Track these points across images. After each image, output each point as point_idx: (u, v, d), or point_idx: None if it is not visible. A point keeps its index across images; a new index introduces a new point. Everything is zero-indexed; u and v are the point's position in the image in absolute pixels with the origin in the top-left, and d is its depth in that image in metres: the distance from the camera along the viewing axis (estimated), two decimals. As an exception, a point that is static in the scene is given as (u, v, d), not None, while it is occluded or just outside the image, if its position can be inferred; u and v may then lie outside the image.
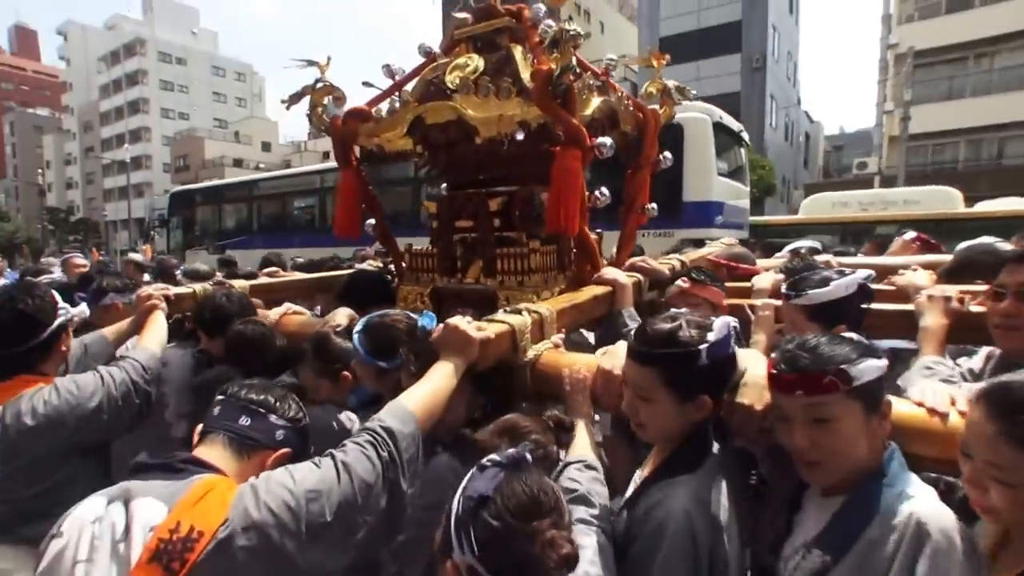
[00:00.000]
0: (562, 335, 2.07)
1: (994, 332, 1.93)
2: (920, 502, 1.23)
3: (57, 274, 6.07)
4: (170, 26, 66.97)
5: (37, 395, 1.85)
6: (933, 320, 2.07)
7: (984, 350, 2.13)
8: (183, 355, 2.81)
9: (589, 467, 1.56)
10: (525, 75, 2.38)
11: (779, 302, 2.34)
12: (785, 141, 30.92)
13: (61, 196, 72.77)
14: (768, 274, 2.89)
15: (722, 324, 1.49)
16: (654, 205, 3.00)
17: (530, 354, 1.91)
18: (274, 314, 2.78)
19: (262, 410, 1.47)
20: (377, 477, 1.38)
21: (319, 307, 4.10)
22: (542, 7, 2.56)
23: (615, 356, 1.76)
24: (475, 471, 1.15)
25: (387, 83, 2.77)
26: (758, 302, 2.49)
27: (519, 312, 1.97)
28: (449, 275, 2.68)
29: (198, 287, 2.94)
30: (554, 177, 2.26)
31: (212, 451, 1.39)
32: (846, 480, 1.33)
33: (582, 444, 1.66)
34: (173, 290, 2.79)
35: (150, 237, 22.01)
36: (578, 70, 2.13)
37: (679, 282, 2.53)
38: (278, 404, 1.50)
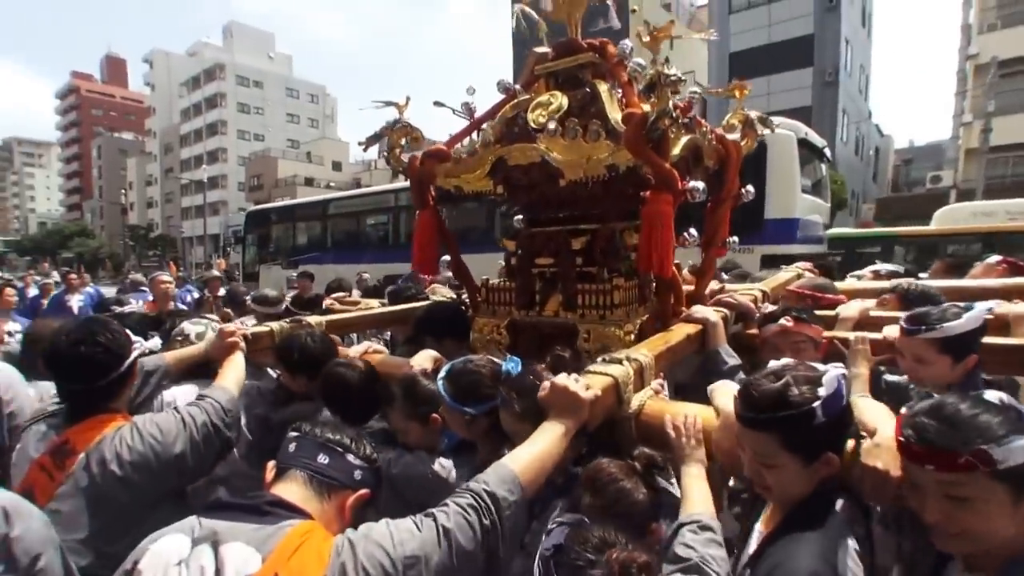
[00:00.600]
0: (661, 380, 2.01)
1: None
2: None
3: (136, 305, 5.69)
4: (248, 51, 70.47)
5: (118, 438, 1.79)
6: None
7: None
8: (260, 389, 2.81)
9: (704, 527, 1.47)
10: (613, 115, 2.31)
11: (873, 334, 2.28)
12: (855, 155, 30.01)
13: (142, 215, 77.05)
14: (855, 303, 2.81)
15: (832, 377, 1.39)
16: (735, 238, 2.89)
17: (634, 404, 1.83)
18: (354, 352, 2.76)
19: (340, 449, 1.42)
20: (477, 545, 1.32)
21: (388, 332, 4.10)
22: (628, 43, 2.48)
23: (732, 428, 1.63)
24: (543, 538, 1.23)
25: (460, 102, 2.73)
26: (850, 335, 2.36)
27: (619, 362, 1.88)
28: (527, 308, 2.64)
29: (275, 326, 2.92)
30: (645, 221, 2.19)
31: (292, 490, 1.34)
32: (993, 557, 1.20)
33: (697, 498, 1.56)
34: (250, 329, 2.78)
35: (225, 252, 22.99)
36: (674, 114, 2.05)
37: (782, 320, 2.42)
38: (354, 444, 1.46)
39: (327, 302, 4.65)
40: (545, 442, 1.58)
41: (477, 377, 2.02)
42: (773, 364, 1.49)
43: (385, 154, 2.69)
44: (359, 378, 2.44)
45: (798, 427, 1.35)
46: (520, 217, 2.98)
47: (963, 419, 1.17)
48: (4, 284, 6.87)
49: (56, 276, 13.96)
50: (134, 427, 1.85)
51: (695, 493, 1.57)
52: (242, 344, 2.54)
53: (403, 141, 2.68)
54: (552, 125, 2.27)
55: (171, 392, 2.42)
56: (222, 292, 7.68)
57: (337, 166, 64.91)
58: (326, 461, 1.39)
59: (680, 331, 2.37)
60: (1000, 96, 20.11)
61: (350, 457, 1.43)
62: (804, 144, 9.75)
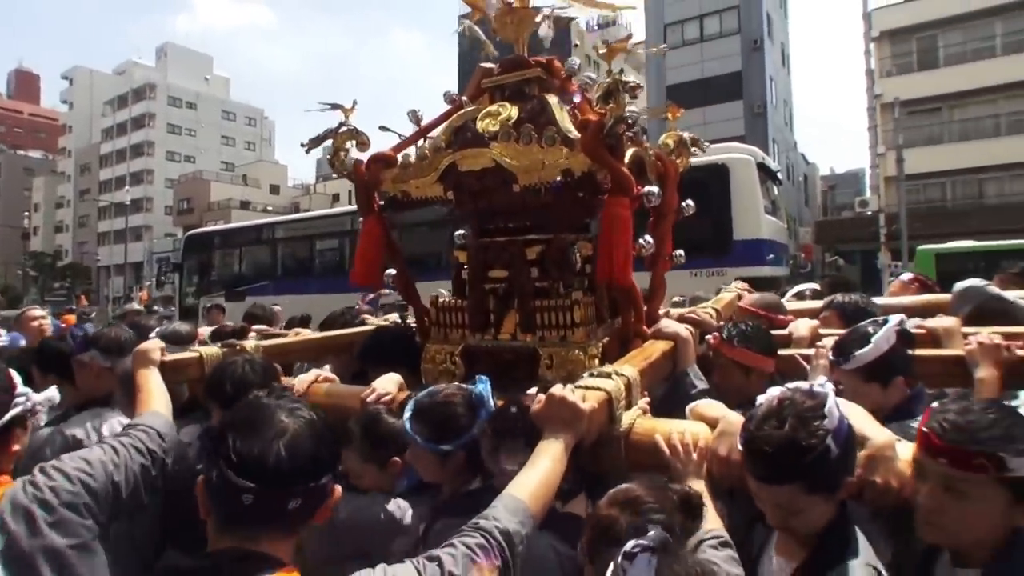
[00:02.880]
0: (647, 399, 1.93)
1: None
2: None
3: (5, 338, 4.37)
4: (183, 72, 67.74)
5: (28, 489, 1.45)
6: (988, 372, 2.00)
7: None
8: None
9: (725, 544, 1.43)
10: (565, 124, 2.30)
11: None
12: (788, 181, 31.91)
13: (48, 240, 70.73)
14: (805, 320, 2.81)
15: (832, 403, 1.35)
16: (681, 252, 2.87)
17: (624, 423, 1.74)
18: (300, 383, 2.46)
19: None
20: None
21: (327, 366, 3.69)
22: (576, 61, 2.55)
23: (729, 436, 1.58)
24: (622, 560, 1.09)
25: (405, 129, 2.67)
26: (809, 351, 2.36)
27: (609, 376, 1.80)
28: (481, 331, 2.51)
29: (205, 351, 2.57)
30: (604, 225, 2.16)
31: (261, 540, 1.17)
32: (980, 550, 1.28)
33: (710, 514, 1.51)
34: (174, 356, 2.41)
35: (158, 282, 21.47)
36: (630, 120, 2.06)
37: (708, 337, 2.44)
38: None
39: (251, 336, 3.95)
40: (548, 463, 1.49)
41: (451, 410, 1.86)
42: (766, 399, 1.45)
43: (329, 157, 2.59)
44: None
45: (818, 470, 1.32)
46: (461, 232, 2.88)
47: (986, 423, 1.23)
48: None
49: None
50: (58, 469, 1.53)
51: (707, 509, 1.50)
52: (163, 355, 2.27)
53: (348, 145, 2.57)
54: (505, 131, 2.24)
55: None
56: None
57: (275, 189, 63.59)
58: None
59: (656, 348, 2.30)
60: (905, 131, 22.66)
61: None
62: (762, 167, 10.30)
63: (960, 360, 2.11)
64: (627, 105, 2.04)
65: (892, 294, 4.01)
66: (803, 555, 1.40)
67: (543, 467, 1.47)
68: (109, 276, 57.86)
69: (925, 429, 1.29)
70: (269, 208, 54.06)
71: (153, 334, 3.93)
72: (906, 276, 4.20)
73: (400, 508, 1.92)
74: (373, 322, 3.57)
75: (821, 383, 1.42)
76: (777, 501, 1.37)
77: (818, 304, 3.41)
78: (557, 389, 1.61)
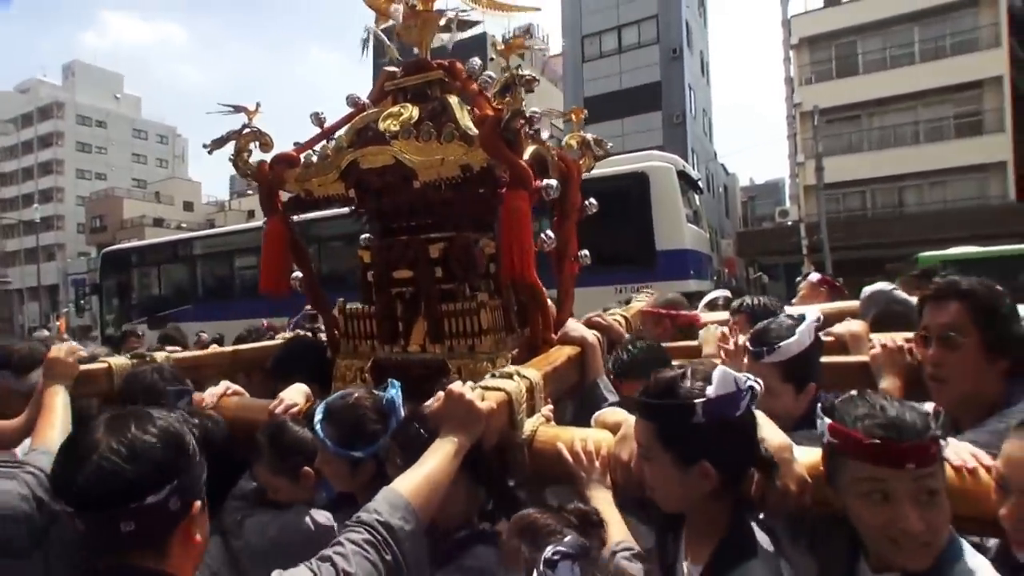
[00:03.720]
0: (550, 406, 1.90)
1: (929, 384, 1.82)
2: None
3: None
4: (91, 91, 65.58)
5: None
6: (891, 382, 1.99)
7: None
8: None
9: (637, 556, 1.40)
10: (465, 122, 2.36)
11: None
12: (707, 192, 32.25)
13: None
14: (713, 326, 2.73)
15: (726, 377, 1.33)
16: (586, 252, 2.88)
17: (526, 430, 1.70)
18: (210, 396, 2.38)
19: None
20: None
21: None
22: (477, 61, 2.61)
23: (631, 440, 1.54)
24: (544, 568, 1.07)
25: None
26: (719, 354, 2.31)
27: (510, 376, 1.77)
28: (391, 342, 2.52)
29: (114, 361, 2.48)
30: (504, 219, 2.19)
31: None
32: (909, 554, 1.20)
33: (616, 526, 1.47)
34: (83, 366, 2.27)
35: (78, 306, 19.70)
36: (527, 114, 2.12)
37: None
38: None
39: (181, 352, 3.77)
40: (436, 462, 1.44)
41: (361, 412, 1.80)
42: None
43: (232, 158, 2.57)
44: (221, 434, 2.07)
45: (673, 420, 1.33)
46: (367, 236, 2.87)
47: (909, 411, 1.21)
48: None
49: None
50: None
51: (612, 520, 1.48)
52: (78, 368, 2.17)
53: (251, 146, 2.57)
54: (407, 129, 2.29)
55: None
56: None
57: (189, 206, 61.71)
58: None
59: (561, 352, 2.27)
60: (825, 140, 22.85)
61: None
62: (682, 175, 10.19)
63: (865, 366, 2.11)
64: (523, 99, 2.11)
65: (803, 297, 3.94)
66: (707, 558, 1.38)
67: (430, 465, 1.44)
68: (23, 301, 54.53)
69: (873, 440, 1.18)
70: (183, 225, 52.60)
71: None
72: (814, 277, 4.10)
73: (327, 517, 1.87)
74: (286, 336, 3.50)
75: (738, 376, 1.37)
76: (639, 437, 1.43)
77: (724, 315, 3.32)
78: (456, 386, 1.57)
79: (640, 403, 1.41)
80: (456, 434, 1.51)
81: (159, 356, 2.68)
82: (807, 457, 1.40)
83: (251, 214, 51.65)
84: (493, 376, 1.81)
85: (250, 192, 59.71)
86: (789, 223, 25.25)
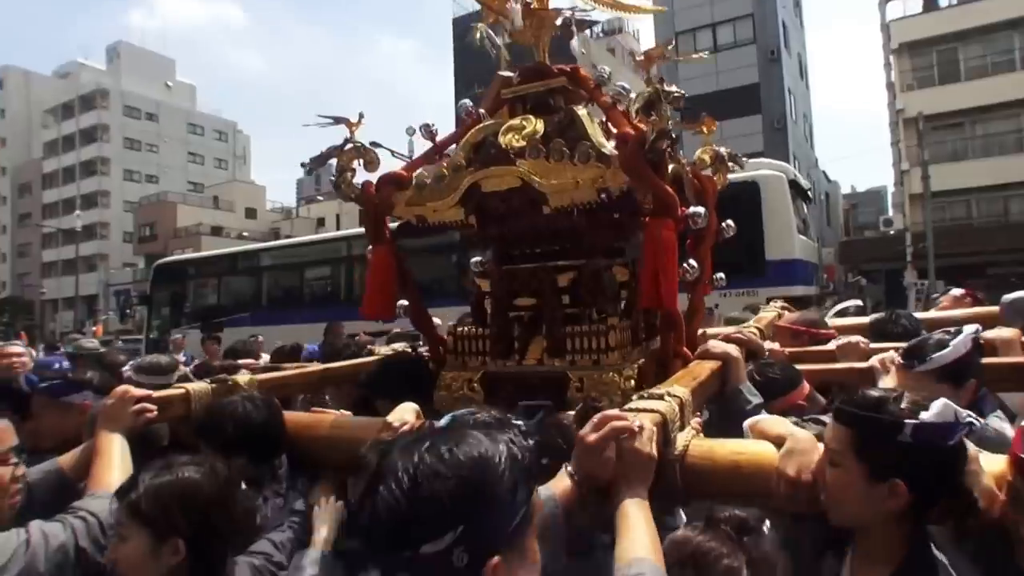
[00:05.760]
0: (699, 419, 1.94)
1: None
2: None
3: None
4: (140, 77, 63.20)
5: None
6: None
7: None
8: None
9: None
10: (598, 138, 2.30)
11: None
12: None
13: None
14: (852, 337, 2.97)
15: (946, 409, 1.40)
16: (722, 275, 2.90)
17: (678, 444, 1.72)
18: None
19: None
20: None
21: (327, 397, 3.68)
22: (606, 68, 2.56)
23: (799, 455, 1.59)
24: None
25: (398, 145, 2.70)
26: (862, 364, 2.60)
27: (661, 397, 1.79)
28: (504, 357, 2.50)
29: (192, 387, 2.47)
30: (648, 249, 2.17)
31: None
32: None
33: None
34: (157, 393, 2.32)
35: (123, 315, 21.60)
36: (674, 135, 2.07)
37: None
38: None
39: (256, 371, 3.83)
40: (638, 527, 1.43)
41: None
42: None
43: (333, 179, 2.57)
44: (261, 417, 2.21)
45: (876, 433, 1.40)
46: (478, 259, 2.90)
47: None
48: None
49: None
50: None
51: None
52: (153, 413, 2.20)
53: (355, 164, 2.56)
54: (533, 146, 2.24)
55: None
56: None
57: (251, 213, 60.25)
58: None
59: (703, 368, 2.31)
60: (930, 147, 23.50)
61: None
62: (793, 184, 10.66)
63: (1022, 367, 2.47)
64: (669, 118, 2.06)
65: (944, 308, 4.42)
66: None
67: (647, 527, 1.44)
68: (56, 311, 55.41)
69: None
70: (245, 234, 51.12)
71: (127, 367, 3.88)
72: (957, 291, 4.57)
73: None
74: (380, 352, 3.55)
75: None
76: (831, 441, 1.51)
77: (864, 320, 3.76)
78: (614, 424, 1.56)
79: (841, 410, 1.50)
80: (639, 491, 1.52)
81: (242, 379, 2.65)
82: (993, 466, 1.46)
83: (320, 222, 51.75)
84: (643, 397, 1.81)
85: (320, 198, 59.08)
86: (891, 232, 26.60)
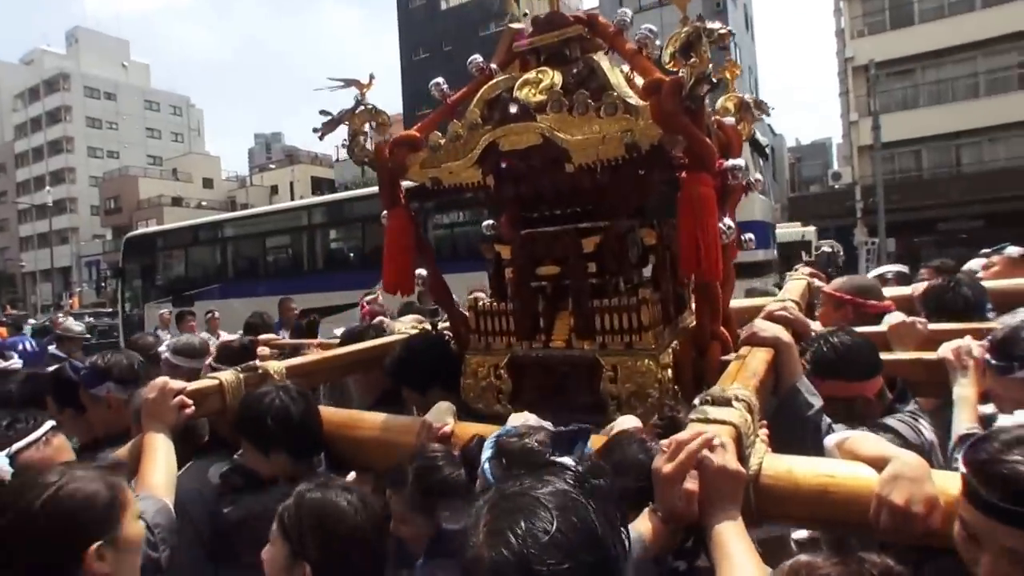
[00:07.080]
0: (766, 429, 1.69)
1: None
2: None
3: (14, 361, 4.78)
4: (97, 60, 65.54)
5: None
6: None
7: None
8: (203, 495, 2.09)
9: None
10: (624, 88, 2.11)
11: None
12: (758, 155, 32.47)
13: None
14: (911, 320, 2.52)
15: None
16: (751, 236, 2.54)
17: (753, 463, 1.50)
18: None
19: None
20: None
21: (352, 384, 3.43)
22: (628, 12, 2.36)
23: (908, 482, 1.34)
24: None
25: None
26: (929, 354, 2.19)
27: (728, 403, 1.58)
28: (529, 338, 2.31)
29: (225, 378, 2.31)
30: (684, 208, 1.94)
31: None
32: None
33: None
34: (191, 385, 2.20)
35: (98, 287, 22.55)
36: (714, 79, 1.86)
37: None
38: None
39: (261, 350, 3.70)
40: (739, 560, 1.28)
41: (540, 460, 1.65)
42: (1002, 425, 1.31)
43: (346, 143, 2.38)
44: (299, 409, 2.10)
45: None
46: (490, 223, 2.71)
47: None
48: None
49: None
50: None
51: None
52: (191, 408, 2.09)
53: (367, 127, 2.37)
54: (555, 99, 2.04)
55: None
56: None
57: (208, 183, 62.50)
58: None
59: (757, 359, 2.01)
60: (880, 96, 22.78)
61: None
62: (751, 141, 10.03)
63: None
64: (710, 60, 1.84)
65: (996, 273, 3.62)
66: None
67: (748, 555, 1.30)
68: (36, 283, 57.49)
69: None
70: (204, 203, 53.60)
71: (164, 346, 3.92)
72: (1014, 251, 3.77)
73: None
74: (400, 330, 3.31)
75: None
76: (1008, 543, 1.13)
77: (907, 290, 3.20)
78: (717, 459, 1.39)
79: (1002, 509, 1.12)
80: (731, 511, 1.37)
81: (272, 367, 2.48)
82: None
83: (274, 189, 54.00)
84: (707, 402, 1.62)
85: (272, 166, 62.18)
86: (837, 186, 26.07)
